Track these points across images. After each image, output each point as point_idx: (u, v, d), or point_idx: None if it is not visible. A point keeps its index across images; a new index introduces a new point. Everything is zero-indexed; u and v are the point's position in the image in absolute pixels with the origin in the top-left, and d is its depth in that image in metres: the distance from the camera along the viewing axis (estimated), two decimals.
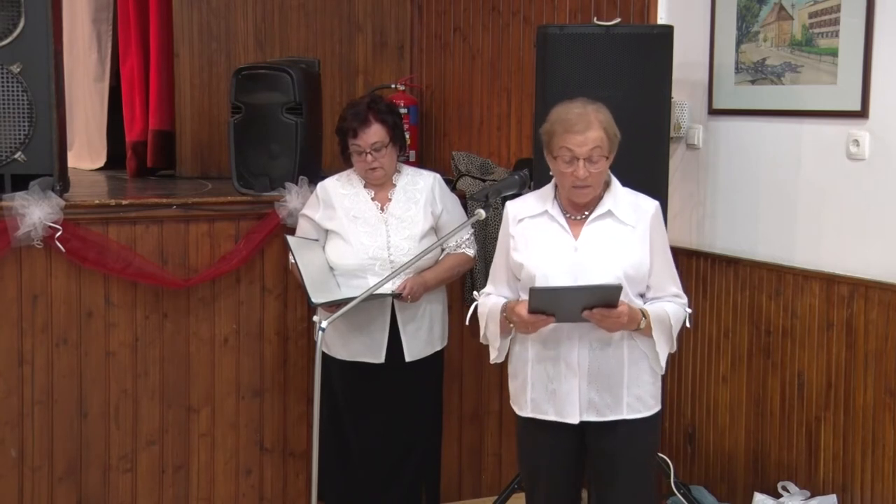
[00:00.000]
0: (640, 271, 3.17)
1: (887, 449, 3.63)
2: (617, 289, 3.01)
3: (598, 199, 3.19)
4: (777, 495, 3.91)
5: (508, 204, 3.33)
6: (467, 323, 3.38)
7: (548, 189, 3.27)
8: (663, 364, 3.22)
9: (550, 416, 3.22)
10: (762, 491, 3.97)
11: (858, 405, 3.71)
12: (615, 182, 3.24)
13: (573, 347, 3.16)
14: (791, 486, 3.91)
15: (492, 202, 3.49)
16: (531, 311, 3.07)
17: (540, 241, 3.21)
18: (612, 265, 3.12)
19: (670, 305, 3.20)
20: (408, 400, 3.98)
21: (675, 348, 3.25)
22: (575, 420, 3.18)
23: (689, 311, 3.27)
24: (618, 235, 3.16)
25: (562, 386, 3.18)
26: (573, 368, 3.16)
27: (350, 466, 4.01)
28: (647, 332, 3.15)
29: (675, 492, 4.11)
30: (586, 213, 3.19)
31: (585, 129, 3.08)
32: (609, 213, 3.18)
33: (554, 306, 3.07)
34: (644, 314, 3.13)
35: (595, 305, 3.02)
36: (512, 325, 3.18)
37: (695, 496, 4.16)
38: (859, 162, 3.70)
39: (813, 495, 3.83)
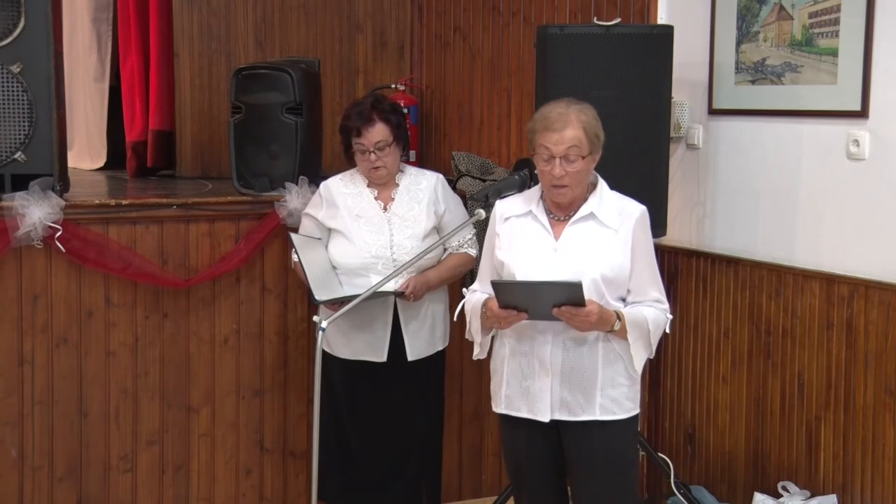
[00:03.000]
0: (619, 275, 3.16)
1: (887, 449, 3.63)
2: (577, 286, 2.98)
3: (582, 201, 3.20)
4: (777, 495, 3.91)
5: (497, 203, 3.36)
6: (455, 319, 3.39)
7: (535, 189, 3.29)
8: (639, 368, 3.20)
9: (523, 413, 3.23)
10: (762, 491, 3.97)
11: (858, 405, 3.71)
12: (602, 185, 3.24)
13: (546, 345, 3.16)
14: (791, 486, 3.91)
15: (492, 202, 3.49)
16: (501, 305, 3.09)
17: (522, 241, 3.23)
18: (590, 267, 3.12)
19: (650, 310, 3.18)
20: (409, 399, 3.98)
21: (653, 354, 3.22)
22: (546, 418, 3.18)
23: (669, 316, 3.25)
24: (598, 238, 3.16)
25: (535, 383, 3.19)
26: (546, 366, 3.17)
27: (351, 466, 4.01)
28: (621, 334, 3.13)
29: (675, 492, 4.11)
30: (570, 214, 3.20)
31: (563, 127, 3.09)
32: (591, 216, 3.18)
33: (520, 301, 3.07)
34: (619, 316, 3.11)
35: (563, 303, 3.01)
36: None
37: (695, 496, 4.16)
38: (859, 162, 3.70)
39: (813, 495, 3.83)
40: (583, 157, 3.11)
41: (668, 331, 3.26)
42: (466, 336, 3.35)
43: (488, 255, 3.34)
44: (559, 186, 3.13)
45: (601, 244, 3.16)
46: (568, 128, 3.09)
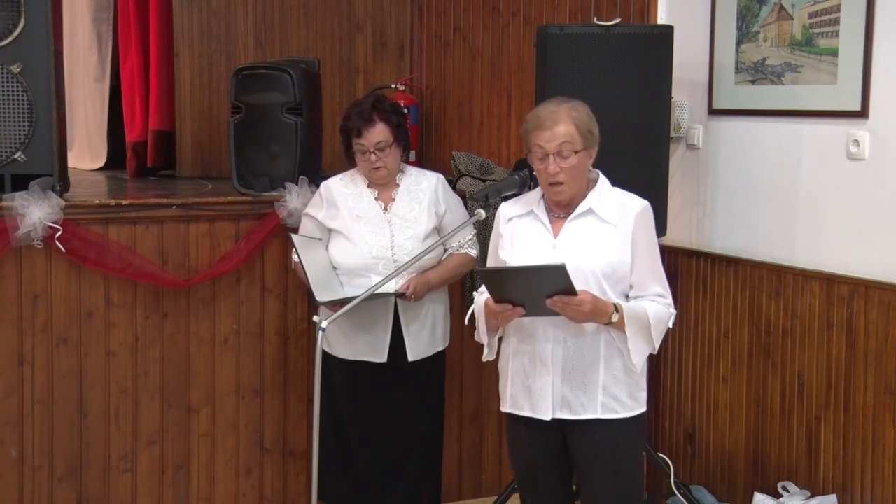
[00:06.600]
0: (619, 270, 3.15)
1: (887, 449, 3.63)
2: (560, 268, 2.95)
3: (581, 198, 3.20)
4: (777, 495, 3.91)
5: (501, 205, 3.37)
6: (466, 323, 3.39)
7: (537, 191, 3.29)
8: (637, 362, 3.16)
9: (526, 412, 3.23)
10: (762, 491, 3.97)
11: (858, 405, 3.71)
12: (602, 181, 3.24)
13: (547, 343, 3.16)
14: (791, 486, 3.91)
15: (492, 202, 3.49)
16: (495, 300, 3.09)
17: (523, 240, 3.24)
18: (589, 263, 3.12)
19: (651, 304, 3.16)
20: (409, 400, 3.98)
21: (655, 349, 3.20)
22: (547, 416, 3.18)
23: (672, 311, 3.23)
24: (597, 233, 3.16)
25: (536, 382, 3.19)
26: (547, 364, 3.17)
27: (351, 466, 4.01)
28: (620, 326, 3.12)
29: (675, 492, 4.11)
30: (570, 211, 3.20)
31: (554, 124, 3.10)
32: (590, 211, 3.18)
33: (510, 292, 3.06)
34: (617, 308, 3.10)
35: (554, 292, 3.00)
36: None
37: (695, 496, 4.16)
38: (859, 162, 3.70)
39: (813, 495, 3.83)
40: (576, 153, 3.12)
41: (671, 326, 3.24)
42: (475, 338, 3.35)
43: (493, 257, 3.35)
44: (556, 184, 3.14)
45: (600, 239, 3.16)
46: (559, 124, 3.10)
